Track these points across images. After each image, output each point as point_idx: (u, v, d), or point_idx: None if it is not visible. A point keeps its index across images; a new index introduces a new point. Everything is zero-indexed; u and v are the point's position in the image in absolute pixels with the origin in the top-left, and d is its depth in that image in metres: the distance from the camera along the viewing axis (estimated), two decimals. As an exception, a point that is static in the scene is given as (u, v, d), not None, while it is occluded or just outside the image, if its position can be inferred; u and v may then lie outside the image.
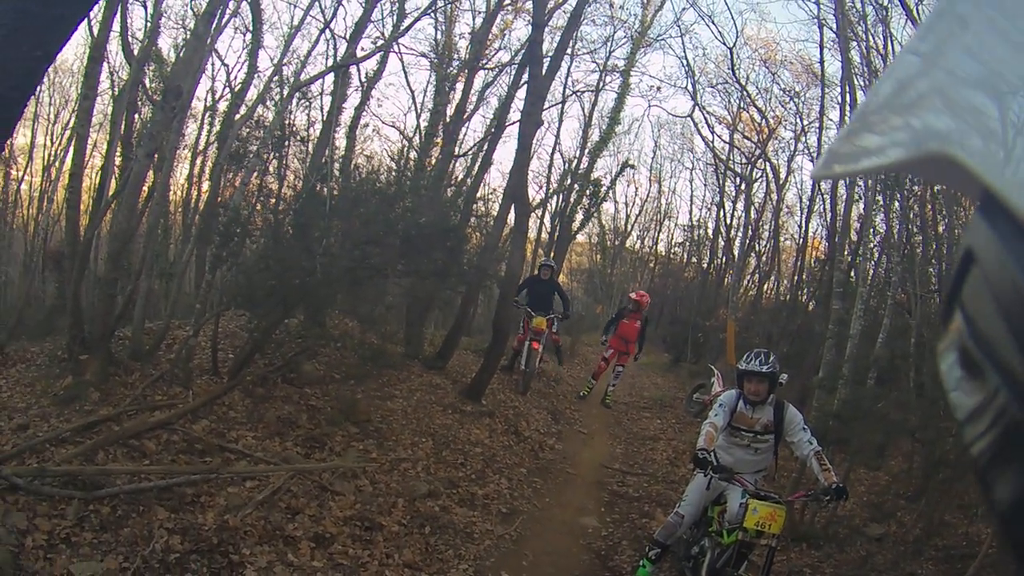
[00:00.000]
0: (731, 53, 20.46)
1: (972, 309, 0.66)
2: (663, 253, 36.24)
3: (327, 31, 14.40)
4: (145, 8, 15.90)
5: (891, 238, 14.11)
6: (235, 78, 19.85)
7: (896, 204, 14.05)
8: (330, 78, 14.93)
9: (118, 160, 12.59)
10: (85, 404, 7.50)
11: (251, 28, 16.19)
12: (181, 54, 16.42)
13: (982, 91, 0.70)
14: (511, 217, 12.94)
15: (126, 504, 5.75)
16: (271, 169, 14.92)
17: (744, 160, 25.19)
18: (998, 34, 0.71)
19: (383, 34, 16.42)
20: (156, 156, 9.33)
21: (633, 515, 8.88)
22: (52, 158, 24.61)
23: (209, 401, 8.21)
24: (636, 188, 34.89)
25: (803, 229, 25.10)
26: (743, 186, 25.20)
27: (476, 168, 18.63)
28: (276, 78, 14.45)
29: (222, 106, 20.09)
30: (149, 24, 13.96)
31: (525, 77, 13.70)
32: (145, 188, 10.06)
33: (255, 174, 11.95)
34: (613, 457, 11.45)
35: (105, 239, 13.65)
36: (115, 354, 8.78)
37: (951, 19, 0.79)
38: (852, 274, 15.84)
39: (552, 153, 25.44)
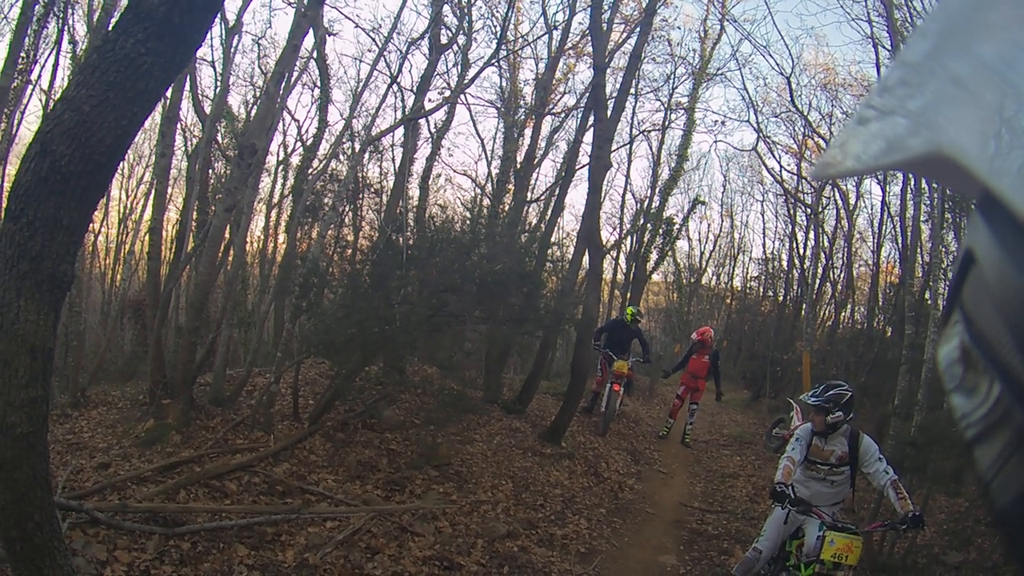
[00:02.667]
0: (789, 83, 20.25)
1: (972, 309, 0.68)
2: (739, 288, 35.83)
3: (395, 85, 14.81)
4: (214, 68, 16.47)
5: None
6: (306, 132, 20.26)
7: (965, 221, 13.77)
8: (400, 130, 15.29)
9: (194, 214, 13.06)
10: (167, 446, 7.77)
11: (319, 84, 16.69)
12: (252, 111, 16.98)
13: (981, 90, 0.69)
14: (586, 260, 13.06)
15: (207, 541, 5.93)
16: (346, 221, 15.27)
17: (812, 189, 24.92)
18: (997, 34, 0.70)
19: (449, 85, 16.75)
20: (234, 210, 9.62)
21: (712, 553, 8.82)
22: (127, 211, 25.47)
23: (290, 445, 8.42)
24: (708, 224, 34.59)
25: (876, 254, 24.72)
26: (813, 215, 24.89)
27: (549, 213, 18.83)
28: (347, 132, 14.84)
29: (294, 160, 20.59)
30: (219, 84, 14.48)
31: (591, 120, 13.83)
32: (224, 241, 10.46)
33: (331, 226, 12.28)
34: (692, 495, 11.37)
35: (184, 289, 14.14)
36: (196, 399, 9.06)
37: (950, 19, 0.79)
38: (927, 295, 15.50)
39: (623, 194, 25.31)
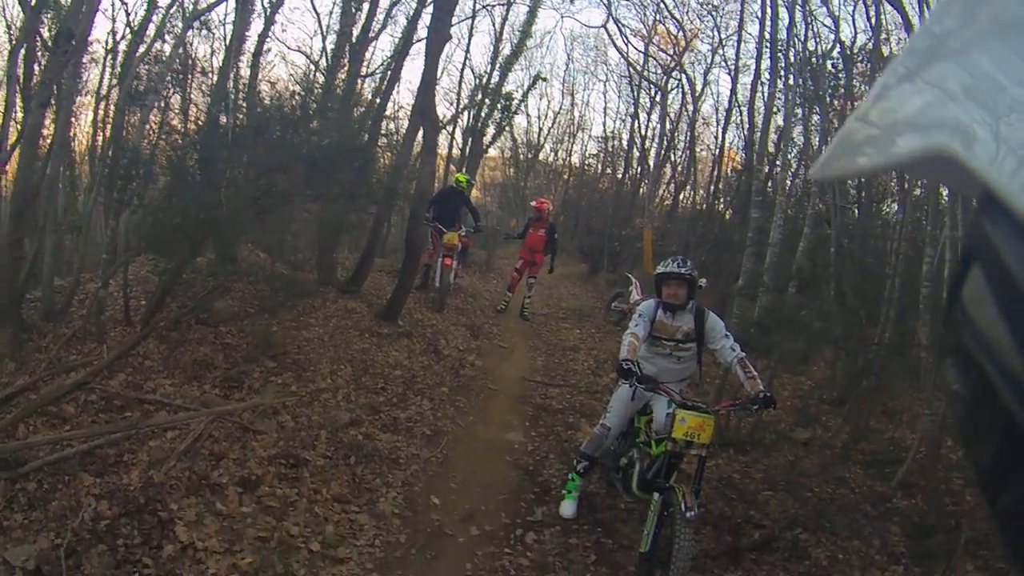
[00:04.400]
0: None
1: (972, 309, 0.67)
2: (577, 165, 36.08)
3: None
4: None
5: (810, 150, 14.23)
6: (134, 17, 18.86)
7: (815, 117, 14.17)
8: (231, 5, 14.30)
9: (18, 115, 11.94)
10: (1, 378, 7.22)
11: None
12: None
13: (983, 90, 0.69)
14: (421, 135, 12.66)
15: (52, 476, 5.65)
16: (174, 105, 14.36)
17: (660, 71, 25.08)
18: (999, 33, 0.70)
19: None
20: (53, 105, 9.04)
21: (558, 427, 8.94)
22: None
23: (123, 353, 7.99)
24: (548, 101, 34.90)
25: (720, 140, 25.38)
26: (658, 97, 25.14)
27: (384, 86, 18.23)
28: (174, 7, 13.76)
29: (123, 47, 19.10)
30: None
31: (433, -9, 13.27)
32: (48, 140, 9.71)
33: (153, 111, 11.43)
34: (534, 370, 11.51)
35: (6, 200, 13.00)
36: (26, 319, 8.44)
37: (951, 18, 0.78)
38: (769, 185, 15.99)
39: (462, 69, 25.07)
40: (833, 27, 16.27)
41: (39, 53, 12.90)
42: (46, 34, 14.31)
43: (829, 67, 14.23)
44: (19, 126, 11.55)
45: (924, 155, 0.71)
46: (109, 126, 16.99)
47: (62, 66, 8.74)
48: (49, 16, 14.51)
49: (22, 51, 11.06)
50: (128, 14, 19.42)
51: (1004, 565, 6.03)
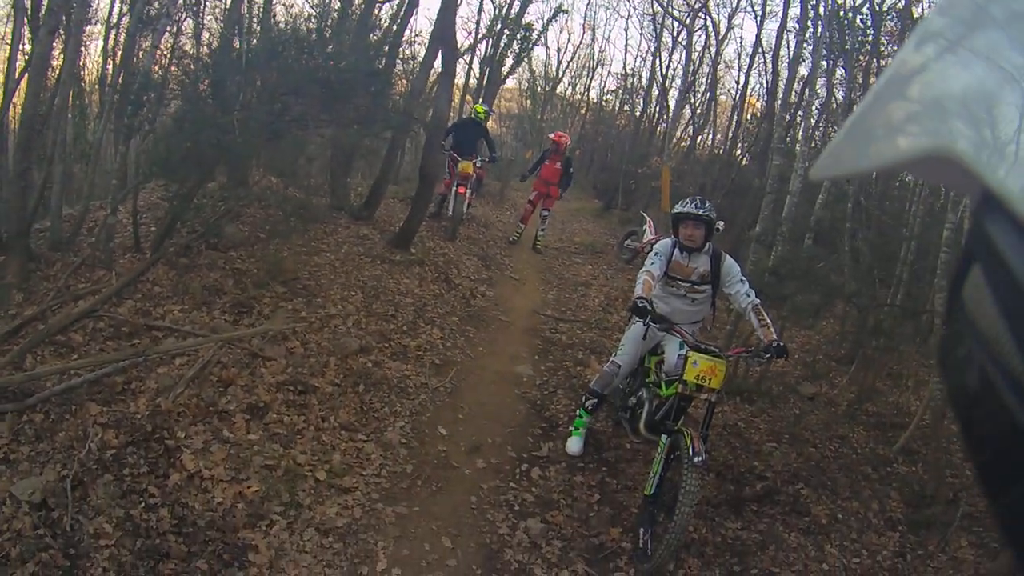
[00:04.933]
0: None
1: (972, 309, 0.66)
2: (595, 100, 35.62)
3: None
4: None
5: (832, 104, 14.01)
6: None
7: (840, 71, 13.97)
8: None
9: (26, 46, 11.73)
10: (9, 308, 7.15)
11: None
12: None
13: (984, 89, 0.69)
14: (438, 61, 12.46)
15: (59, 406, 5.62)
16: (186, 30, 14.13)
17: (686, 8, 24.70)
18: (1001, 32, 0.69)
19: None
20: (62, 34, 8.86)
21: (567, 363, 8.95)
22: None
23: (132, 280, 7.87)
24: (569, 35, 34.42)
25: (741, 84, 25.12)
26: (682, 36, 24.83)
27: (402, 12, 18.02)
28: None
29: None
30: None
31: (457, -86, 12.92)
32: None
33: (165, 36, 11.22)
34: (545, 303, 11.50)
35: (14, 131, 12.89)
36: (35, 249, 8.28)
37: (951, 20, 0.77)
38: (788, 135, 15.84)
39: (481, -2, 24.61)
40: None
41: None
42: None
43: (858, 22, 14.01)
44: (27, 57, 11.39)
45: (924, 155, 0.70)
46: (119, 54, 16.86)
47: (71, -7, 8.51)
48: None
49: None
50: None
51: (998, 544, 6.09)
